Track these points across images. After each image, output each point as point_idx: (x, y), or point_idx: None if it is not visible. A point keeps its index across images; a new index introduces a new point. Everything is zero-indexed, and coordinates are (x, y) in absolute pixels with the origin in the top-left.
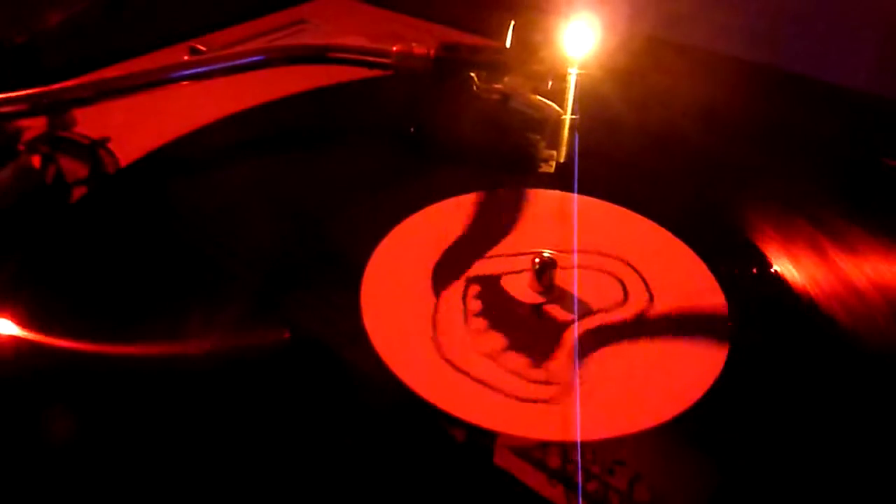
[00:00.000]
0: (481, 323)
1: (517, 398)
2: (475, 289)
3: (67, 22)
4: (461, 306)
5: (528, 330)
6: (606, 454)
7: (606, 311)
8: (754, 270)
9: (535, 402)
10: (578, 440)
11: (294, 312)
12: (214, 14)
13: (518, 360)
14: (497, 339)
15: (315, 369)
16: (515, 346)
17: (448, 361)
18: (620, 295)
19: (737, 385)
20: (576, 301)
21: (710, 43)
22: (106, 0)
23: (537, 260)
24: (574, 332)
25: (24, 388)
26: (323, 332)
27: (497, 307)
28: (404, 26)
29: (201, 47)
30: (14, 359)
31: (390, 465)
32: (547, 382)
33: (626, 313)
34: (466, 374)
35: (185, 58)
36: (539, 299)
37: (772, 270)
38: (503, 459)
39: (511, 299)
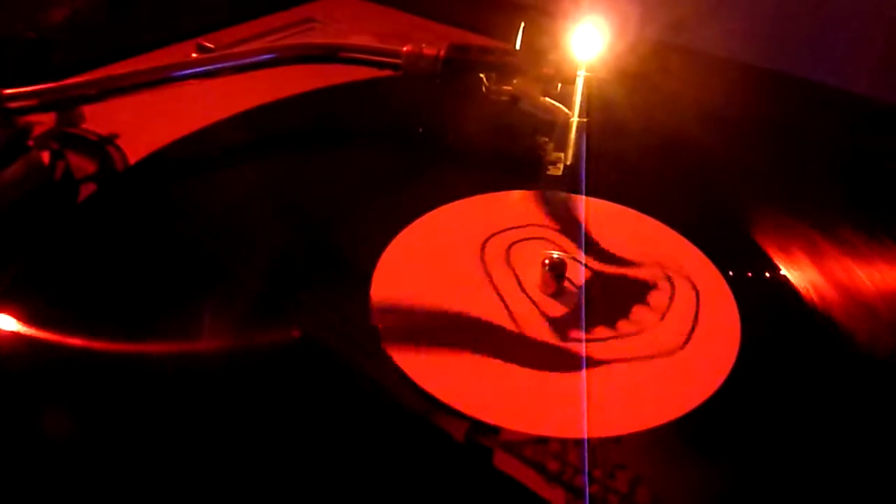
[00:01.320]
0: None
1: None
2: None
3: (74, 18)
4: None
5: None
6: (607, 457)
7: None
8: (766, 275)
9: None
10: (585, 436)
11: (305, 312)
12: (222, 11)
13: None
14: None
15: (325, 366)
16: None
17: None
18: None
19: (739, 388)
20: (582, 304)
21: (716, 47)
22: None
23: (547, 261)
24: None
25: (29, 385)
26: (330, 333)
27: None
28: (413, 27)
29: (209, 44)
30: (19, 356)
31: (391, 466)
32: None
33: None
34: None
35: (193, 55)
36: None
37: (778, 274)
38: (503, 462)
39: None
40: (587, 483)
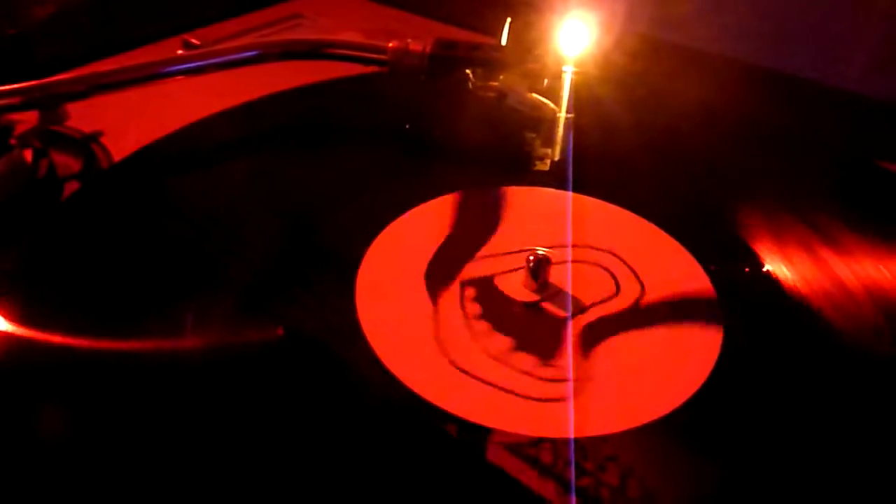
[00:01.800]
0: (483, 325)
1: (531, 398)
2: (471, 292)
3: (58, 14)
4: (460, 311)
5: (530, 329)
6: (599, 450)
7: (601, 303)
8: (746, 270)
9: (549, 400)
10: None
11: (288, 310)
12: (209, 8)
13: (527, 360)
14: (501, 341)
15: (309, 366)
16: (521, 346)
17: (454, 364)
18: (613, 288)
19: (728, 383)
20: (569, 298)
21: (704, 43)
22: None
23: (531, 258)
24: (579, 324)
25: (15, 384)
26: (317, 329)
27: (495, 309)
28: (400, 22)
29: (195, 41)
30: (5, 354)
31: (382, 461)
32: (559, 380)
33: (619, 304)
34: (476, 377)
35: (179, 52)
36: (534, 297)
37: (763, 270)
38: (496, 456)
39: (508, 299)
40: (574, 477)
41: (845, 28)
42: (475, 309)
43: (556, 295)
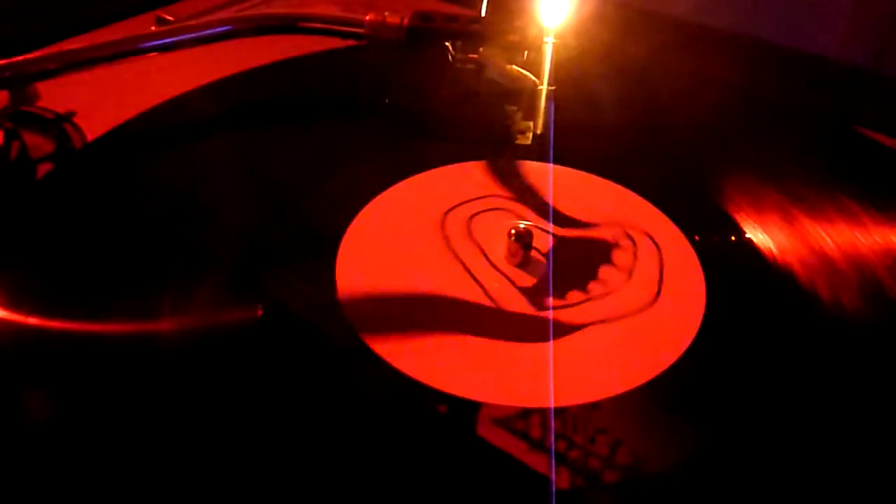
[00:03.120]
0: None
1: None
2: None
3: None
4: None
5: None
6: (588, 422)
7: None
8: (732, 238)
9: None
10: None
11: (269, 288)
12: None
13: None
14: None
15: (292, 344)
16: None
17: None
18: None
19: (711, 350)
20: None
21: (684, 12)
22: None
23: (513, 231)
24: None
25: None
26: (299, 306)
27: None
28: None
29: (168, 17)
30: None
31: (371, 437)
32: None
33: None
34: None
35: (152, 28)
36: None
37: (744, 238)
38: (486, 430)
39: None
40: (567, 448)
41: None
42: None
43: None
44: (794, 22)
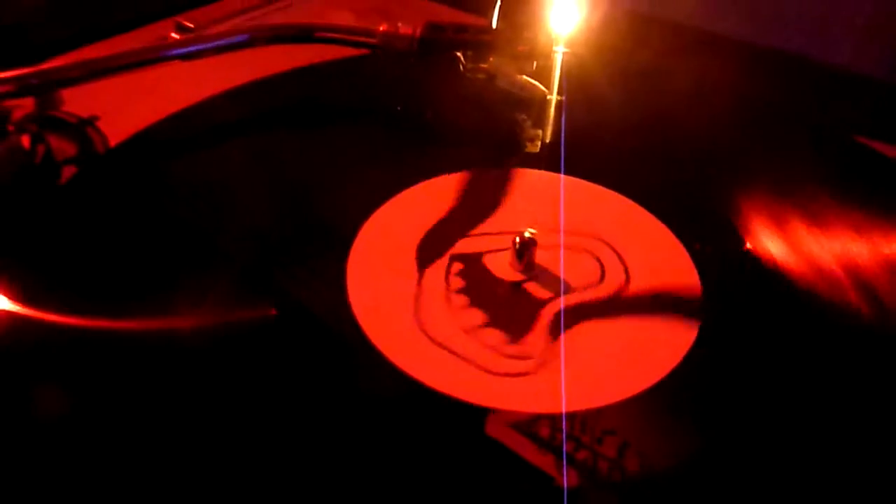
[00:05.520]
0: (462, 300)
1: (492, 372)
2: (458, 266)
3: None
4: (443, 283)
5: (508, 307)
6: (596, 424)
7: (583, 289)
8: (739, 248)
9: (509, 375)
10: (564, 412)
11: (284, 288)
12: None
13: (495, 336)
14: (476, 316)
15: (305, 343)
16: (493, 322)
17: (426, 334)
18: (598, 274)
19: (715, 355)
20: (562, 280)
21: (694, 20)
22: None
23: (518, 239)
24: (556, 307)
25: (15, 363)
26: (313, 306)
27: (478, 285)
28: (390, 2)
29: (188, 23)
30: (6, 333)
31: (380, 436)
32: (522, 357)
33: (602, 292)
34: (444, 347)
35: (171, 34)
36: (519, 277)
37: (746, 248)
38: (495, 430)
39: (492, 277)
40: (575, 450)
41: (837, 4)
42: (458, 283)
43: (541, 275)
44: (806, 31)
